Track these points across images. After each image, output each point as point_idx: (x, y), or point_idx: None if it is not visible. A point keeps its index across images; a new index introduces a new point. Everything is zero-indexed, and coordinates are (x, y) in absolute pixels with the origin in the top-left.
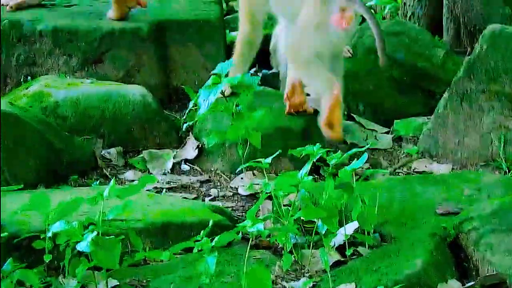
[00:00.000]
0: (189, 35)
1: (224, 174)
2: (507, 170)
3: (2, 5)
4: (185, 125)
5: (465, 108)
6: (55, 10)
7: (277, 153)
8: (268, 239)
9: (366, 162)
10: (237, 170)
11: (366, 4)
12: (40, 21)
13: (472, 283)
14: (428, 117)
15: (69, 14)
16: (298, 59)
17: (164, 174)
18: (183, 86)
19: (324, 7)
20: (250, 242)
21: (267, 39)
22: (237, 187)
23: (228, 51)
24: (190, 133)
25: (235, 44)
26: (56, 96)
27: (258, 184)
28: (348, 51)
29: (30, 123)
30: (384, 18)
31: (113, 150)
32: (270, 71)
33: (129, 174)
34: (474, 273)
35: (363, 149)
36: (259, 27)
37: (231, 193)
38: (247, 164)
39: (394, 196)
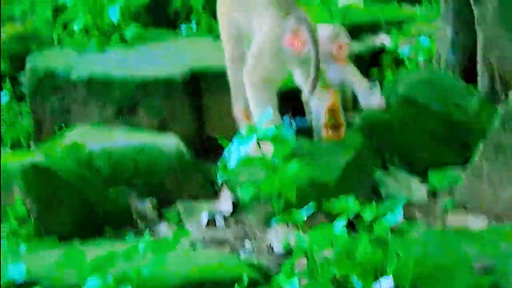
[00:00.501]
0: (223, 84)
1: (258, 227)
2: None
3: None
4: (219, 177)
5: (500, 159)
6: (89, 59)
7: (311, 207)
8: None
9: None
10: (272, 224)
11: (401, 52)
12: (74, 70)
13: None
14: (463, 168)
15: (103, 63)
16: (252, 82)
17: (199, 227)
18: (217, 136)
19: (277, 29)
20: None
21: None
22: (271, 241)
23: None
24: (225, 184)
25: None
26: (90, 147)
27: (292, 238)
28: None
29: (63, 176)
30: (418, 66)
31: (147, 202)
32: (304, 120)
33: (163, 227)
34: None
35: (398, 203)
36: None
37: (266, 248)
38: (281, 218)
39: (429, 251)
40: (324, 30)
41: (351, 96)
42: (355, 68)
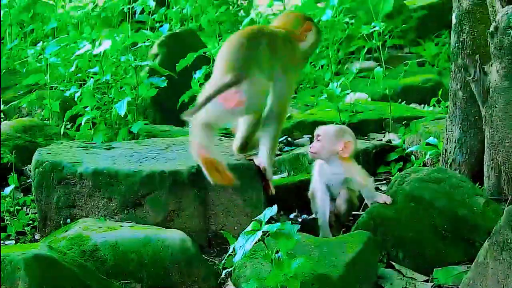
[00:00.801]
0: None
1: None
2: None
3: None
4: (224, 271)
5: (506, 258)
6: (95, 153)
7: None
8: None
9: None
10: None
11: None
12: (80, 164)
13: None
14: (468, 265)
15: (109, 157)
16: (194, 123)
17: None
18: (222, 231)
19: (217, 82)
20: None
21: (306, 184)
22: None
23: (267, 197)
24: (229, 279)
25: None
26: (95, 239)
27: None
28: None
29: (68, 267)
30: (425, 164)
31: None
32: (310, 217)
33: None
34: None
35: None
36: None
37: None
38: None
39: None
40: (330, 129)
41: (357, 193)
42: (359, 166)
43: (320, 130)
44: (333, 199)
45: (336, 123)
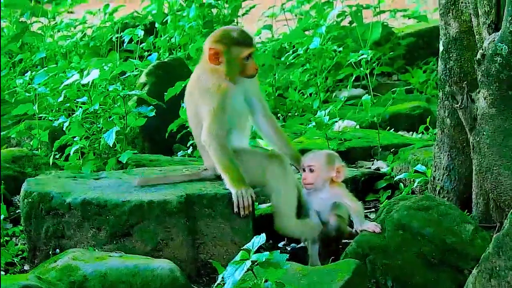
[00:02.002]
0: (218, 209)
1: None
2: None
3: None
4: None
5: (495, 285)
6: (84, 183)
7: None
8: None
9: None
10: None
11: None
12: (69, 194)
13: None
14: None
15: (98, 187)
16: None
17: None
18: (211, 261)
19: None
20: None
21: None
22: None
23: (256, 225)
24: None
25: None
26: (84, 270)
27: None
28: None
29: None
30: (413, 192)
31: None
32: (299, 245)
33: None
34: None
35: None
36: None
37: None
38: None
39: None
40: (321, 157)
41: (346, 221)
42: (347, 190)
43: (310, 159)
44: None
45: (319, 150)
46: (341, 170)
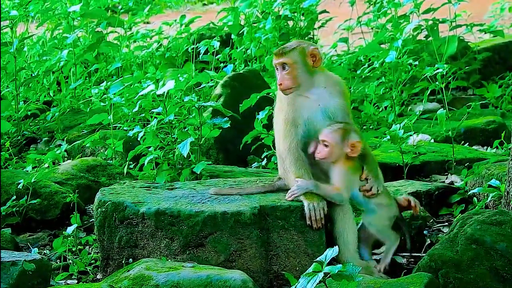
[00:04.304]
0: (291, 221)
1: None
2: None
3: None
4: None
5: None
6: (158, 193)
7: None
8: None
9: None
10: None
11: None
12: (142, 204)
13: None
14: None
15: (171, 197)
16: None
17: None
18: (284, 272)
19: None
20: None
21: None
22: None
23: (328, 237)
24: None
25: None
26: (157, 279)
27: None
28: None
29: None
30: (487, 206)
31: None
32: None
33: None
34: None
35: None
36: None
37: None
38: None
39: None
40: (336, 134)
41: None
42: (350, 170)
43: (325, 135)
44: None
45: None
46: (356, 146)
